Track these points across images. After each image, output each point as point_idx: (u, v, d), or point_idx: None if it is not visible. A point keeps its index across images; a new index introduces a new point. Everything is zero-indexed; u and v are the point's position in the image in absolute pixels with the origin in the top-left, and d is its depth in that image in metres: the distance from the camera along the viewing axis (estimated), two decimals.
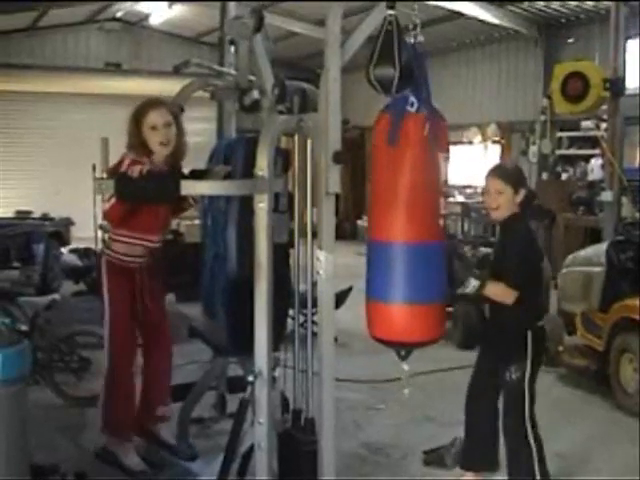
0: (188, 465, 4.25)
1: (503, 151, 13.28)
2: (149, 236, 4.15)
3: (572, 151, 12.05)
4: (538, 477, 3.70)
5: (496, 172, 3.90)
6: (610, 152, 8.84)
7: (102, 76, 15.98)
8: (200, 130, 10.76)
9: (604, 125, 9.96)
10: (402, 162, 3.24)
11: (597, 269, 6.31)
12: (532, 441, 3.71)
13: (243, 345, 3.41)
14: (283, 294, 3.60)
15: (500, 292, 3.68)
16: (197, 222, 6.24)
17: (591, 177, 11.17)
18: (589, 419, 5.39)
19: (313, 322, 3.41)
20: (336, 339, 3.34)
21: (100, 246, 7.60)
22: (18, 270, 9.25)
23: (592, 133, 11.07)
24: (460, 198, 13.01)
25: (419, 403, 5.45)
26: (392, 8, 3.14)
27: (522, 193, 3.80)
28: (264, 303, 3.13)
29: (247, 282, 3.24)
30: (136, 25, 16.03)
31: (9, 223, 10.12)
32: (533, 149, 12.34)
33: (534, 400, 3.76)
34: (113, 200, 3.76)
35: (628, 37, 9.00)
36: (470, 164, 13.39)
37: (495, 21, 12.15)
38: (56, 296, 7.74)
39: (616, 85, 8.74)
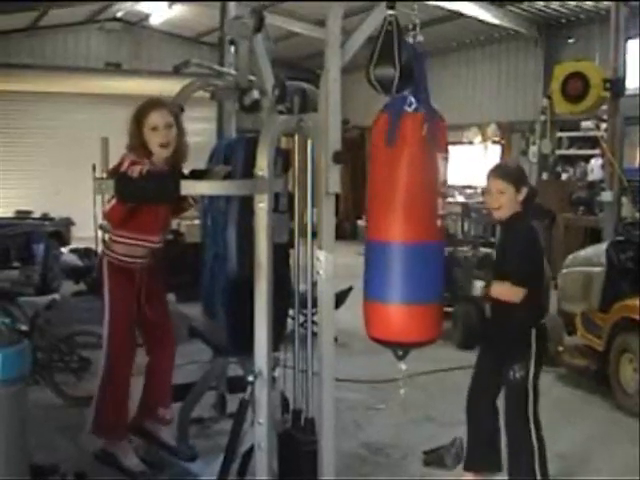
0: (188, 466, 4.24)
1: (503, 151, 13.28)
2: (150, 236, 4.15)
3: (572, 151, 12.06)
4: (539, 477, 3.71)
5: (497, 172, 3.90)
6: (610, 152, 8.84)
7: (102, 76, 15.99)
8: (200, 130, 10.75)
9: (604, 125, 9.96)
10: (400, 162, 3.25)
11: (597, 269, 6.31)
12: (534, 440, 3.71)
13: (243, 345, 3.41)
14: (283, 294, 3.60)
15: (507, 291, 3.69)
16: (197, 222, 6.24)
17: (591, 177, 11.18)
18: (589, 419, 5.39)
19: (313, 322, 3.41)
20: (336, 339, 3.34)
21: (100, 246, 7.61)
22: (18, 270, 9.26)
23: (592, 133, 11.08)
24: (460, 198, 13.02)
25: (419, 403, 5.45)
26: (392, 8, 3.14)
27: (524, 192, 3.81)
28: (264, 303, 3.13)
29: (247, 282, 3.24)
30: (136, 25, 16.04)
31: (9, 223, 10.12)
32: (533, 149, 12.34)
33: (538, 399, 3.76)
34: (113, 201, 3.76)
35: (628, 37, 9.00)
36: (470, 164, 13.38)
37: (495, 21, 12.16)
38: (56, 296, 7.75)
39: (616, 85, 8.74)
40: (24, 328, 5.39)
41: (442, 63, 13.81)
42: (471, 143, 13.64)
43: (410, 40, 3.30)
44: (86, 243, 9.77)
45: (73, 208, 11.48)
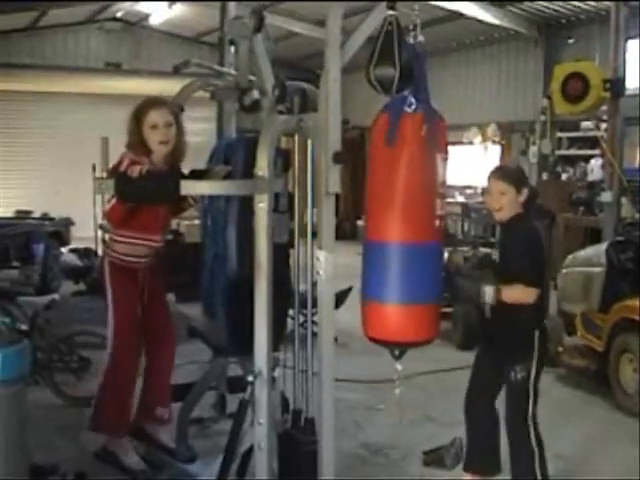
0: (187, 467, 4.24)
1: (503, 151, 13.28)
2: (150, 236, 4.15)
3: (572, 151, 12.05)
4: (539, 477, 3.71)
5: (498, 173, 3.91)
6: (610, 152, 8.84)
7: (102, 76, 15.99)
8: (200, 130, 10.76)
9: (604, 125, 9.96)
10: (399, 162, 3.25)
11: (597, 269, 6.31)
12: (534, 441, 3.71)
13: (243, 345, 3.41)
14: (283, 294, 3.59)
15: (520, 294, 3.65)
16: (197, 222, 6.23)
17: (591, 177, 11.17)
18: (589, 420, 5.39)
19: (313, 322, 3.41)
20: (336, 339, 3.34)
21: (100, 246, 7.61)
22: (18, 270, 9.25)
23: (592, 133, 11.08)
24: (460, 198, 13.02)
25: (419, 403, 5.45)
26: (392, 8, 3.14)
27: (525, 193, 3.81)
28: (264, 303, 3.12)
29: (247, 282, 3.24)
30: (136, 25, 16.04)
31: (9, 223, 10.13)
32: (533, 149, 12.34)
33: (537, 400, 3.76)
34: (113, 201, 3.76)
35: (628, 37, 9.00)
36: (470, 164, 13.39)
37: (495, 21, 12.15)
38: (56, 296, 7.77)
39: (616, 85, 8.74)
40: (24, 328, 5.39)
41: (442, 63, 13.81)
42: (471, 143, 13.64)
43: (410, 40, 3.30)
44: (86, 243, 9.78)
45: (73, 208, 11.49)
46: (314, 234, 3.32)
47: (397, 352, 3.45)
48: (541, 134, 12.02)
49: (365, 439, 4.87)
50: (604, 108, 9.37)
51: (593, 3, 11.00)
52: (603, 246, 6.64)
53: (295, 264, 3.59)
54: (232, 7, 4.63)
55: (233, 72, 4.50)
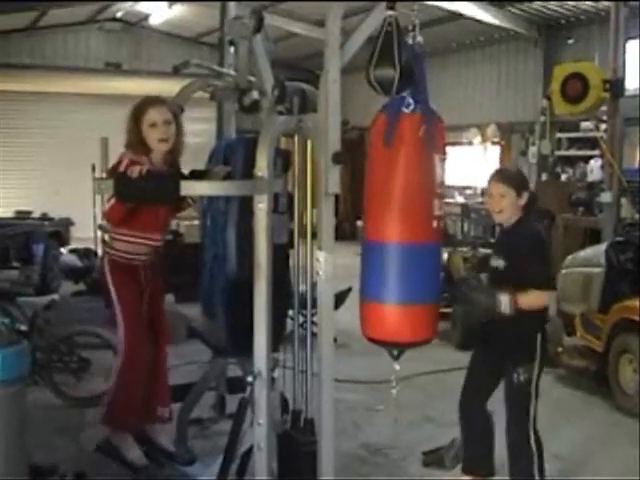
0: (186, 469, 4.24)
1: (503, 152, 13.28)
2: (150, 235, 4.15)
3: (572, 152, 12.05)
4: (537, 478, 3.71)
5: (498, 176, 3.91)
6: (610, 153, 8.84)
7: (102, 76, 15.99)
8: (200, 131, 10.76)
9: (604, 126, 9.95)
10: (397, 162, 3.26)
11: (596, 270, 6.31)
12: (533, 443, 3.71)
13: (242, 346, 3.41)
14: (282, 295, 3.60)
15: (536, 299, 3.66)
16: (196, 222, 6.24)
17: (591, 178, 11.16)
18: (589, 420, 5.39)
19: (312, 323, 3.41)
20: (335, 340, 3.34)
21: (100, 247, 7.60)
22: (17, 270, 9.25)
23: (592, 134, 11.07)
24: (460, 199, 13.02)
25: (418, 404, 5.46)
26: (392, 9, 3.14)
27: (525, 196, 3.81)
28: (263, 304, 3.12)
29: (246, 283, 3.24)
30: (136, 25, 16.04)
31: (9, 223, 10.12)
32: (533, 150, 12.34)
33: (537, 402, 3.76)
34: (113, 200, 3.76)
35: (628, 38, 8.99)
36: (470, 165, 13.39)
37: (495, 22, 12.15)
38: (55, 296, 7.77)
39: (616, 86, 8.73)
40: (23, 328, 5.40)
41: (442, 64, 13.81)
42: (471, 144, 13.64)
43: (410, 41, 3.30)
44: (85, 243, 9.77)
45: (73, 208, 11.49)
46: (314, 235, 3.33)
47: (395, 352, 3.45)
48: (541, 135, 12.02)
49: (365, 439, 4.87)
50: (604, 109, 9.36)
51: (593, 3, 11.00)
52: (603, 247, 6.64)
53: (295, 265, 3.60)
54: (232, 7, 4.63)
55: (233, 73, 4.50)
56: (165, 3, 13.82)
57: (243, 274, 3.67)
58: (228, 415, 4.71)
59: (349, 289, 6.44)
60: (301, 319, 3.60)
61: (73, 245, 10.29)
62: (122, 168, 3.80)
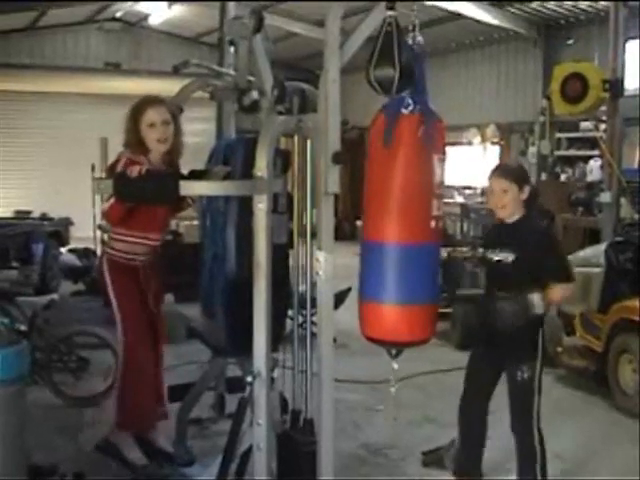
0: (186, 469, 4.23)
1: (502, 152, 13.28)
2: (149, 235, 4.15)
3: (571, 152, 12.05)
4: (539, 478, 3.72)
5: (499, 171, 3.92)
6: (609, 153, 8.84)
7: (102, 76, 15.99)
8: (199, 130, 10.79)
9: (603, 126, 9.96)
10: (395, 163, 3.27)
11: (596, 270, 6.31)
12: (537, 442, 3.73)
13: (242, 345, 3.40)
14: (282, 295, 3.60)
15: (566, 291, 3.82)
16: (196, 222, 6.24)
17: (590, 178, 11.17)
18: (589, 420, 5.39)
19: (312, 323, 3.41)
20: (335, 340, 3.34)
21: (99, 247, 7.61)
22: (17, 270, 9.25)
23: (591, 134, 11.07)
24: (459, 199, 13.02)
25: (418, 404, 5.45)
26: (392, 9, 3.14)
27: (526, 191, 3.81)
28: (263, 304, 3.12)
29: (246, 283, 3.24)
30: (136, 25, 16.04)
31: (8, 223, 10.13)
32: (532, 150, 12.34)
33: (540, 400, 3.77)
34: (112, 200, 3.75)
35: (628, 38, 9.00)
36: (469, 165, 13.39)
37: (494, 22, 12.15)
38: (55, 296, 7.77)
39: (615, 86, 8.74)
40: (23, 328, 5.39)
41: (441, 64, 13.81)
42: (470, 144, 13.65)
43: (410, 41, 3.30)
44: (85, 243, 9.77)
45: (72, 208, 11.48)
46: (313, 234, 3.33)
47: (394, 351, 3.46)
48: (540, 135, 12.02)
49: (364, 439, 4.87)
50: (603, 109, 9.37)
51: (592, 3, 11.00)
52: (602, 247, 6.64)
53: (294, 265, 3.59)
54: (231, 7, 4.64)
55: (232, 72, 4.50)
56: (165, 3, 13.82)
57: (243, 274, 3.67)
58: (227, 415, 4.71)
59: (349, 289, 6.44)
60: (301, 319, 3.60)
61: (73, 245, 10.30)
62: (120, 167, 3.81)
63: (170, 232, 7.54)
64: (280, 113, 3.44)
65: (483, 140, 13.53)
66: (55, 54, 15.66)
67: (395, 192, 3.27)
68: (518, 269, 3.74)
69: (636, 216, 8.53)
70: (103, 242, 4.80)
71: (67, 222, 10.62)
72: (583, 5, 11.23)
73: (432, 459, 4.48)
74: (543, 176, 12.15)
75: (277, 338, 3.61)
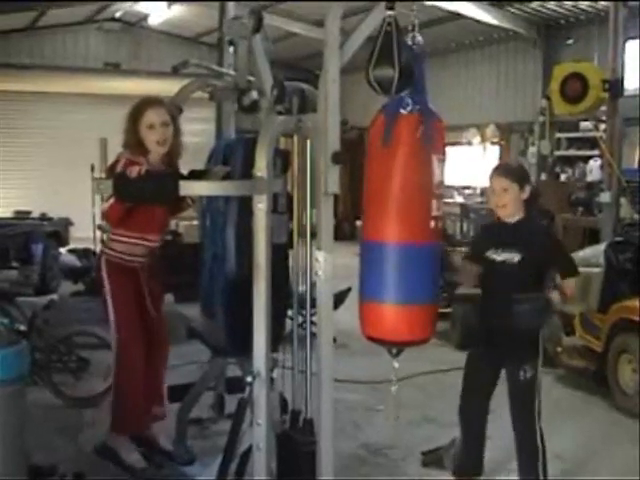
0: (186, 469, 4.23)
1: (502, 152, 13.28)
2: (148, 235, 4.15)
3: (571, 152, 12.05)
4: (541, 477, 3.72)
5: (500, 170, 3.92)
6: (609, 153, 8.84)
7: (101, 76, 15.99)
8: (199, 131, 10.78)
9: (603, 126, 9.96)
10: (395, 163, 3.27)
11: (596, 270, 6.31)
12: (539, 440, 3.73)
13: (242, 346, 3.41)
14: (282, 295, 3.60)
15: (574, 285, 3.89)
16: (196, 222, 6.23)
17: (590, 178, 11.17)
18: (589, 420, 5.39)
19: (312, 323, 3.41)
20: (335, 340, 3.34)
21: (99, 247, 7.60)
22: (17, 270, 9.25)
23: (591, 134, 11.07)
24: (459, 199, 13.02)
25: (418, 403, 5.45)
26: (391, 9, 3.14)
27: (527, 190, 3.82)
28: (263, 304, 3.12)
29: (246, 283, 3.24)
30: (135, 25, 16.04)
31: (8, 223, 10.12)
32: (532, 150, 12.34)
33: (540, 398, 3.78)
34: (112, 200, 3.75)
35: (628, 38, 8.99)
36: (469, 165, 13.38)
37: (494, 22, 12.15)
38: (54, 296, 7.76)
39: (615, 86, 8.73)
40: (22, 328, 5.39)
41: (441, 64, 13.81)
42: (470, 144, 13.64)
43: (409, 41, 3.30)
44: (85, 243, 9.77)
45: (72, 208, 11.49)
46: (313, 235, 3.33)
47: (394, 350, 3.47)
48: (540, 135, 12.02)
49: (364, 439, 4.87)
50: (603, 109, 9.37)
51: (592, 3, 11.01)
52: (602, 246, 6.64)
53: (294, 265, 3.59)
54: (231, 7, 4.65)
55: (232, 72, 4.50)
56: (164, 3, 13.82)
57: (242, 274, 3.67)
58: (227, 415, 4.71)
59: (349, 289, 6.44)
60: (300, 319, 3.60)
61: (72, 245, 10.29)
62: (120, 167, 3.81)
63: (170, 232, 7.54)
64: (280, 113, 3.44)
65: (483, 140, 13.52)
66: (55, 54, 15.66)
67: (394, 192, 3.27)
68: (524, 269, 3.75)
69: (636, 216, 8.53)
70: (103, 242, 4.80)
71: (67, 222, 10.62)
72: (583, 5, 11.23)
73: (432, 459, 4.48)
74: (543, 176, 12.15)
75: (277, 338, 3.61)
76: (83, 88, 16.49)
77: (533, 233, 3.87)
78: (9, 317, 5.31)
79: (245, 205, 3.36)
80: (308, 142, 3.38)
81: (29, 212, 11.57)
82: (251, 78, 4.23)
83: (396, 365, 3.49)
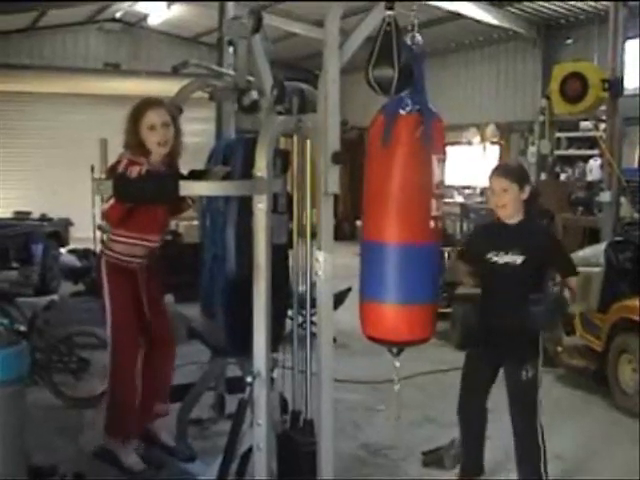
0: (186, 466, 4.24)
1: (502, 152, 13.28)
2: (148, 236, 4.15)
3: (571, 151, 12.05)
4: (544, 477, 3.73)
5: (500, 170, 3.92)
6: (609, 152, 8.83)
7: (101, 77, 15.99)
8: (199, 131, 10.76)
9: (603, 126, 9.95)
10: (394, 163, 3.27)
11: (596, 269, 6.31)
12: (540, 440, 3.74)
13: (242, 346, 3.41)
14: (282, 295, 3.59)
15: (576, 284, 3.95)
16: (196, 222, 6.23)
17: (590, 177, 11.17)
18: (589, 419, 5.39)
19: (312, 323, 3.41)
20: (335, 340, 3.34)
21: (99, 247, 7.60)
22: (17, 270, 9.25)
23: (591, 133, 11.07)
24: (459, 199, 13.02)
25: (418, 404, 5.45)
26: (391, 9, 3.14)
27: (527, 190, 3.82)
28: (263, 304, 3.12)
29: (246, 283, 3.24)
30: (135, 26, 16.04)
31: (8, 224, 10.12)
32: (532, 149, 12.34)
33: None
34: (112, 200, 3.75)
35: (627, 38, 8.99)
36: (469, 165, 13.38)
37: (494, 22, 12.15)
38: (54, 297, 7.74)
39: (615, 86, 8.73)
40: (23, 329, 5.39)
41: (441, 64, 13.81)
42: (470, 143, 13.64)
43: (409, 41, 3.30)
44: (85, 244, 9.77)
45: (72, 209, 11.49)
46: (313, 235, 3.33)
47: (395, 350, 3.47)
48: (540, 134, 12.02)
49: (364, 440, 4.87)
50: (603, 108, 9.36)
51: (592, 3, 11.00)
52: (602, 246, 6.64)
53: (294, 265, 3.59)
54: (230, 7, 4.65)
55: (232, 73, 4.50)
56: (164, 3, 13.82)
57: (242, 274, 3.67)
58: (227, 415, 4.71)
59: (349, 289, 6.45)
60: (300, 319, 3.60)
61: (72, 245, 10.30)
62: (121, 168, 3.80)
63: (170, 232, 7.54)
64: (279, 113, 3.44)
65: (483, 140, 13.52)
66: (54, 54, 15.66)
67: (394, 192, 3.28)
68: (526, 270, 3.76)
69: (636, 215, 8.53)
70: (102, 243, 4.80)
71: (67, 223, 10.62)
72: (583, 5, 11.23)
73: (432, 459, 4.48)
74: (543, 176, 12.15)
75: (277, 338, 3.61)
76: (83, 88, 16.49)
77: (534, 234, 3.88)
78: (9, 317, 5.31)
79: (245, 205, 3.36)
80: (308, 142, 3.38)
81: (29, 213, 11.57)
82: (251, 78, 4.23)
83: (397, 364, 3.50)
